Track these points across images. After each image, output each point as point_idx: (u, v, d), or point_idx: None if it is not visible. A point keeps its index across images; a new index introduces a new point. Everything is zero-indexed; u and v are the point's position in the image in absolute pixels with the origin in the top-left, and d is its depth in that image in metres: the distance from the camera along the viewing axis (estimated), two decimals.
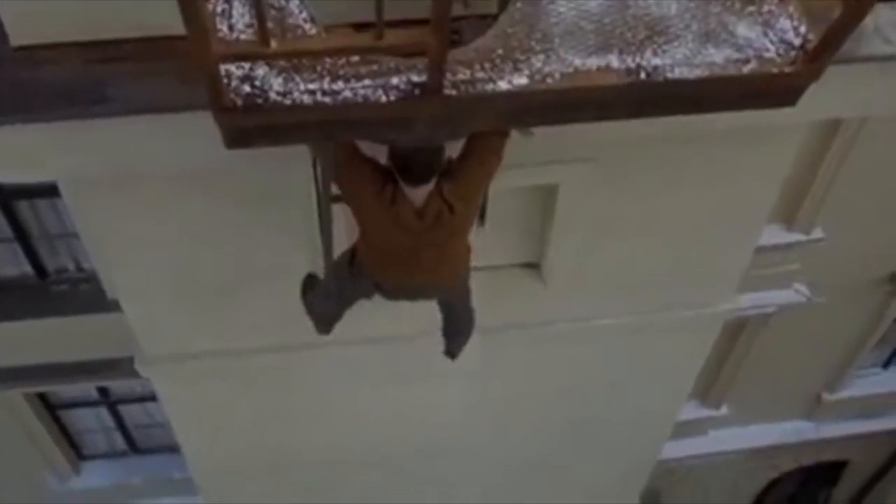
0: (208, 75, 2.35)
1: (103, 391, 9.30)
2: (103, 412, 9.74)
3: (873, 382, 11.89)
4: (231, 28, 2.45)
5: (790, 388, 11.58)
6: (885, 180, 8.10)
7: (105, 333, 6.87)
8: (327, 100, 2.52)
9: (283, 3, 2.60)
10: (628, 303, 5.41)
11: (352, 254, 3.81)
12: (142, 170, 3.69)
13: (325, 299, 4.34)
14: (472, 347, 5.46)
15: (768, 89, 2.74)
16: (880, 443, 13.09)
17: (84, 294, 7.49)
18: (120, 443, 10.27)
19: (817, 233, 8.52)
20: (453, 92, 2.55)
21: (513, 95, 2.59)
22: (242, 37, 2.41)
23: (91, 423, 9.97)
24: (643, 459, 7.07)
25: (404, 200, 3.31)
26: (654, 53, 2.67)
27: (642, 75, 2.63)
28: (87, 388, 9.13)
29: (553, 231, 4.83)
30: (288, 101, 2.51)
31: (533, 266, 5.18)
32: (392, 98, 2.53)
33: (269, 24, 2.43)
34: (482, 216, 4.53)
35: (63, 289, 7.68)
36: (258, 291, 4.83)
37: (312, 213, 4.29)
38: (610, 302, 5.39)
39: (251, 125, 2.56)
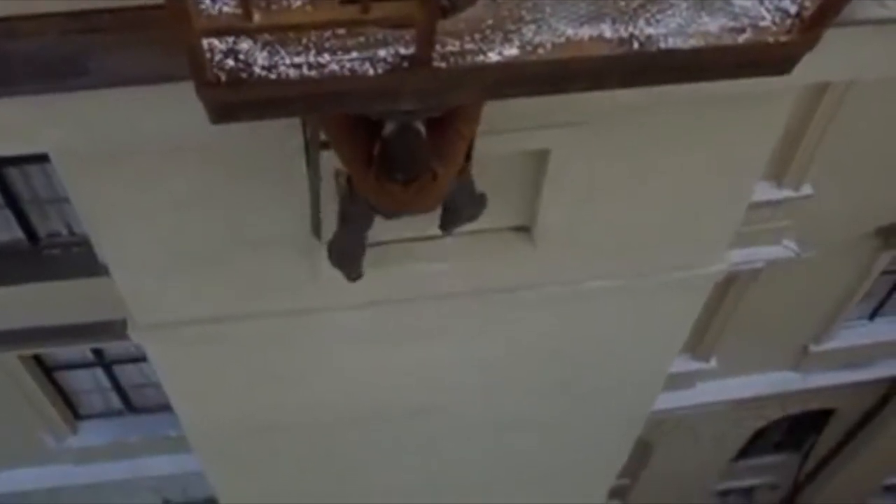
0: (190, 50, 2.25)
1: (98, 352, 9.24)
2: (99, 373, 9.70)
3: (859, 334, 11.92)
4: (213, 0, 2.35)
5: (778, 341, 11.60)
6: (874, 137, 8.02)
7: (98, 296, 6.79)
8: (313, 73, 2.43)
9: None
10: (619, 265, 5.35)
11: (348, 180, 3.75)
12: (128, 142, 3.59)
13: (343, 236, 4.22)
14: (457, 309, 5.43)
15: (763, 58, 2.66)
16: (865, 391, 13.17)
17: (76, 258, 7.40)
18: (116, 402, 10.24)
19: (807, 189, 8.45)
20: (442, 64, 2.46)
21: (503, 67, 2.50)
22: (225, 9, 2.31)
23: (87, 383, 9.93)
24: (633, 416, 7.06)
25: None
26: (648, 22, 2.58)
27: (635, 45, 2.54)
28: (82, 349, 9.07)
29: (544, 194, 4.75)
30: (273, 76, 2.42)
31: (523, 229, 5.10)
32: (379, 71, 2.45)
33: None
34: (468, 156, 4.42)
35: (55, 253, 7.59)
36: (249, 259, 4.76)
37: (303, 179, 4.20)
38: (601, 264, 5.32)
39: (236, 100, 2.47)
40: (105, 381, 9.84)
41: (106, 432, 10.45)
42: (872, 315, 11.90)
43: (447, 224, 4.28)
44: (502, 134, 3.94)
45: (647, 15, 2.57)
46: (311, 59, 2.42)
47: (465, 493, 7.69)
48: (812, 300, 10.89)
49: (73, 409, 10.22)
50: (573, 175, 4.60)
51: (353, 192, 3.63)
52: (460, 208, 4.12)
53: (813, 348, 11.82)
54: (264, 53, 2.42)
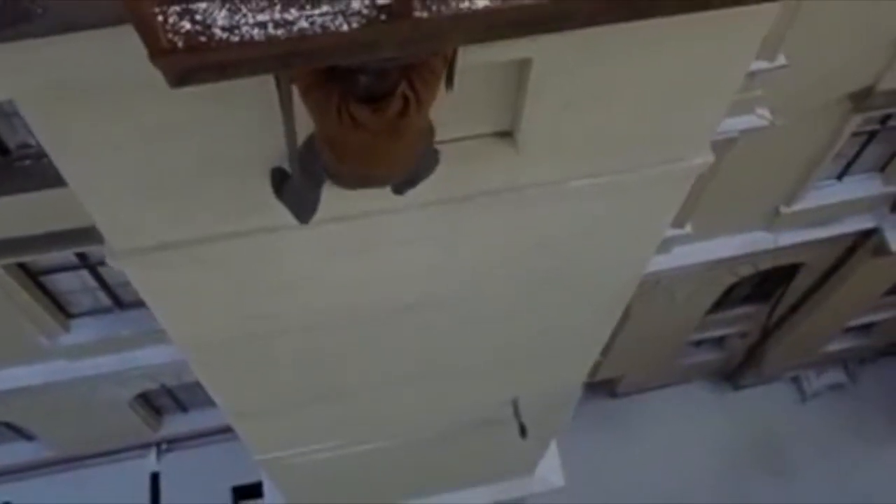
0: (138, 18, 1.91)
1: (82, 255, 8.99)
2: (86, 274, 9.47)
3: (828, 193, 11.86)
4: None
5: (751, 205, 11.51)
6: (846, 4, 7.68)
7: (74, 204, 6.50)
8: (280, 32, 2.08)
9: None
10: (604, 163, 5.07)
11: (310, 140, 3.46)
12: (89, 86, 3.24)
13: (298, 186, 4.01)
14: (441, 215, 5.18)
15: None
16: (832, 246, 13.23)
17: (49, 167, 6.99)
18: (105, 300, 10.05)
19: (781, 60, 8.13)
20: (424, 14, 2.12)
21: (493, 12, 2.17)
22: None
23: (74, 284, 9.72)
24: (616, 300, 6.93)
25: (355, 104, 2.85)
26: None
27: None
28: (65, 255, 8.81)
29: (527, 101, 4.42)
30: (236, 38, 2.08)
31: (506, 134, 4.79)
32: (354, 26, 2.10)
33: None
34: (450, 80, 4.11)
35: (27, 164, 7.23)
36: (226, 181, 4.44)
37: (273, 102, 3.85)
38: (585, 163, 5.04)
39: (196, 65, 2.14)
40: (92, 282, 9.62)
41: (97, 329, 10.33)
42: (841, 175, 11.77)
43: (402, 186, 4.04)
44: (483, 45, 3.60)
45: None
46: (277, 15, 2.08)
47: (454, 378, 7.65)
48: (784, 165, 10.72)
49: (63, 310, 10.03)
50: (556, 81, 4.26)
51: (313, 156, 3.35)
52: (421, 173, 3.88)
53: (784, 209, 11.74)
54: (224, 12, 2.07)
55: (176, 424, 14.11)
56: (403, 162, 3.39)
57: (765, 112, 9.16)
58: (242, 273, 5.26)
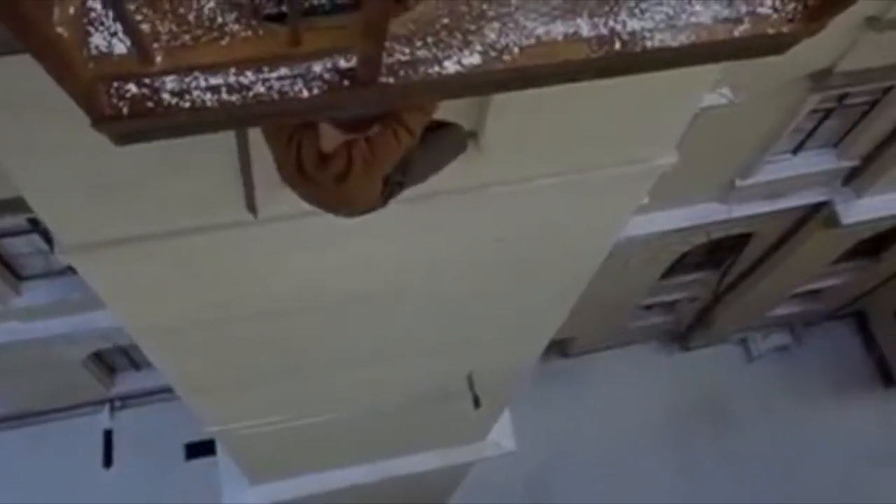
0: (78, 94, 1.72)
1: (33, 220, 8.68)
2: (37, 237, 9.18)
3: (783, 167, 11.85)
4: (100, 26, 1.77)
5: (707, 178, 11.46)
6: None
7: None
8: (234, 98, 1.90)
9: None
10: (566, 163, 4.94)
11: None
12: (31, 94, 3.01)
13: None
14: (402, 213, 5.03)
15: (756, 48, 2.19)
16: (783, 217, 13.28)
17: None
18: (57, 263, 9.75)
19: None
20: (390, 80, 1.94)
21: (462, 78, 2.00)
22: (119, 49, 1.75)
23: (26, 248, 9.43)
24: (576, 283, 6.86)
25: (310, 135, 2.66)
26: (631, 14, 2.07)
27: (617, 45, 2.04)
28: (17, 219, 8.51)
29: (491, 105, 4.26)
30: (186, 104, 1.89)
31: (470, 134, 4.63)
32: (315, 92, 1.92)
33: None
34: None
35: None
36: (178, 177, 4.23)
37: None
38: (547, 163, 4.91)
39: (142, 129, 1.95)
40: (44, 245, 9.33)
41: (49, 292, 10.05)
42: (796, 150, 11.76)
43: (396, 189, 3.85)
44: None
45: (631, 4, 2.06)
46: (232, 79, 1.89)
47: (410, 357, 7.56)
48: (742, 140, 10.67)
49: (14, 273, 9.73)
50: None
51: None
52: (442, 162, 3.65)
53: (739, 182, 11.71)
54: (173, 76, 1.88)
55: (129, 382, 13.92)
56: (364, 202, 3.17)
57: (726, 91, 9.07)
58: (198, 267, 5.08)
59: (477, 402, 8.86)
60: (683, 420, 17.41)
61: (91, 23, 1.74)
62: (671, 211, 11.99)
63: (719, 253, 14.84)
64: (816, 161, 11.94)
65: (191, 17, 1.90)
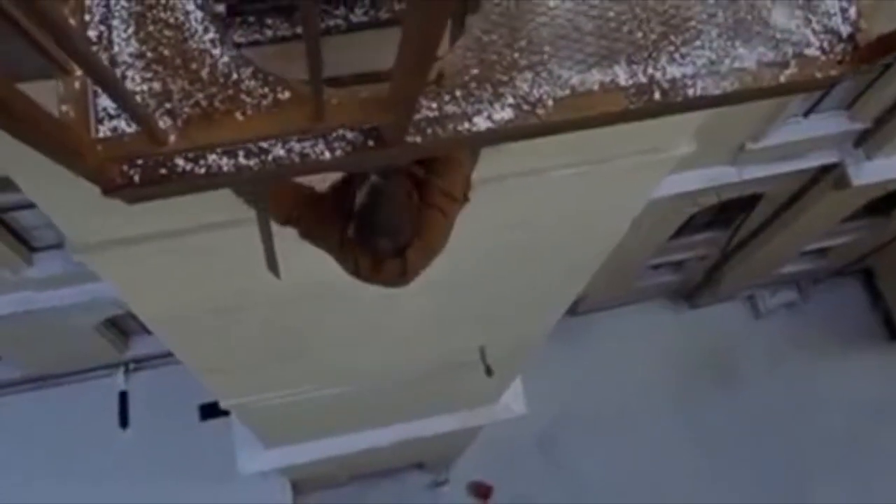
0: (87, 174, 1.59)
1: None
2: None
3: (794, 130, 11.64)
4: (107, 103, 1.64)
5: (718, 143, 11.26)
6: None
7: None
8: (252, 163, 1.77)
9: (179, 17, 1.77)
10: (586, 153, 4.80)
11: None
12: None
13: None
14: None
15: (803, 87, 2.04)
16: (794, 178, 13.10)
17: None
18: None
19: None
20: (417, 139, 1.81)
21: (493, 134, 1.87)
22: (129, 129, 1.62)
23: (37, 220, 9.33)
24: (590, 264, 6.74)
25: (363, 251, 2.55)
26: (671, 59, 1.92)
27: (657, 95, 1.90)
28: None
29: None
30: (201, 169, 1.76)
31: None
32: (338, 154, 1.80)
33: (165, 52, 1.66)
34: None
35: None
36: None
37: None
38: (567, 154, 4.76)
39: (154, 194, 1.83)
40: None
41: (61, 261, 9.97)
42: (808, 112, 11.53)
43: None
44: None
45: (671, 49, 1.91)
46: (251, 144, 1.76)
47: (423, 333, 7.49)
48: (755, 105, 10.42)
49: (26, 244, 9.65)
50: None
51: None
52: None
53: (750, 146, 11.50)
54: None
55: (143, 345, 13.89)
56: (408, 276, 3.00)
57: None
58: (212, 261, 4.97)
59: (489, 372, 8.81)
60: (692, 376, 17.40)
61: (98, 95, 1.61)
62: (682, 174, 11.80)
63: (729, 213, 14.66)
64: (828, 124, 11.71)
65: (204, 74, 1.77)
